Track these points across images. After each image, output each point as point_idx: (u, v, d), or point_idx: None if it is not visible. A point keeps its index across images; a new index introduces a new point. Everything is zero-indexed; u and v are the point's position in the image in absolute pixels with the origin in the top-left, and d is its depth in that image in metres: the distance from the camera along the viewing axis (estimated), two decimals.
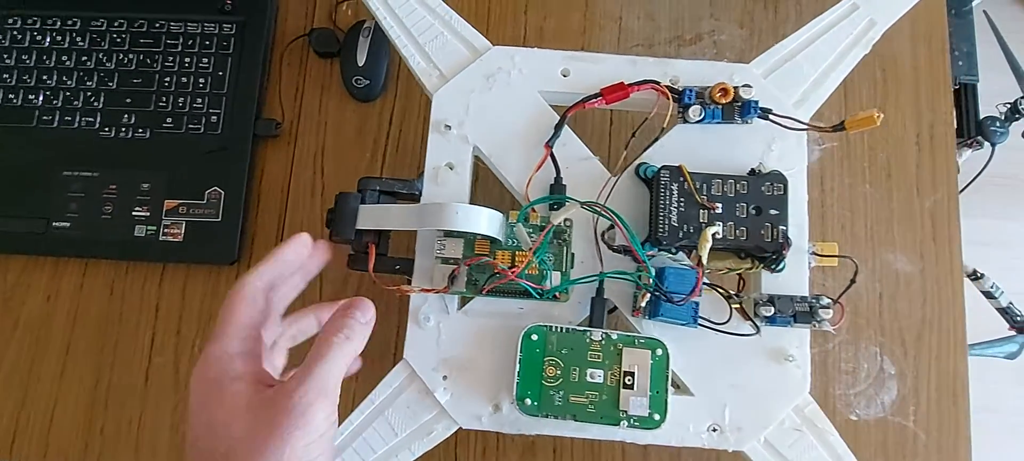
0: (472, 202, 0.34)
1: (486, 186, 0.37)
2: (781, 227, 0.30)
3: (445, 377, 0.31)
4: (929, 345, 0.42)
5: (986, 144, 0.87)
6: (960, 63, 1.04)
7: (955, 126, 1.01)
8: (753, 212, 0.31)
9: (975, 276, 0.89)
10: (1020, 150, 0.88)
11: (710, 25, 0.45)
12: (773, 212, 0.30)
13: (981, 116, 0.91)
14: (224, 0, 0.45)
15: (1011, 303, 0.88)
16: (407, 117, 0.44)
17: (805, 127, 0.32)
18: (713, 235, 0.29)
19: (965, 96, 1.05)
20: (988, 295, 0.89)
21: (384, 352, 0.39)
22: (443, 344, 0.32)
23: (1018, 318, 0.87)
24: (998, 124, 0.81)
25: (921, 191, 0.44)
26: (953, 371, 0.42)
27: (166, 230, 0.42)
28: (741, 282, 0.33)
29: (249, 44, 0.44)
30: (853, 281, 0.32)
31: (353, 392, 0.40)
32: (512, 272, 0.29)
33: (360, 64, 0.43)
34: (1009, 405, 1.05)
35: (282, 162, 0.44)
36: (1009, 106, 0.89)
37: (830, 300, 0.31)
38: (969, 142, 0.90)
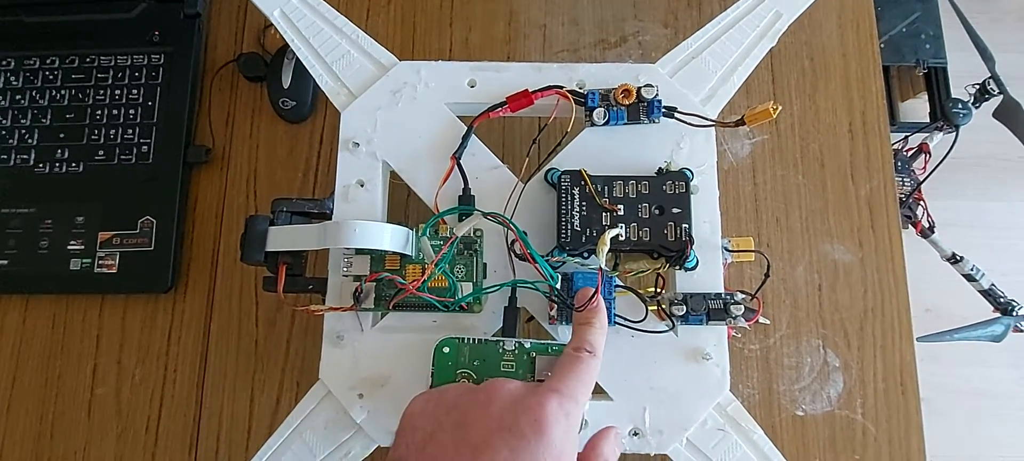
0: (391, 218, 0.34)
1: (415, 200, 0.37)
2: (684, 225, 0.30)
3: (361, 395, 0.31)
4: (873, 335, 0.41)
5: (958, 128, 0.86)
6: (928, 47, 1.04)
7: (929, 110, 1.02)
8: (656, 212, 0.30)
9: (955, 260, 0.88)
10: (993, 130, 0.87)
11: (634, 26, 0.45)
12: (676, 211, 0.30)
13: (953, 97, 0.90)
14: (152, 31, 0.45)
15: (993, 284, 0.87)
16: (337, 136, 0.45)
17: (707, 123, 0.32)
18: (613, 238, 0.29)
19: (935, 79, 1.05)
20: (969, 278, 0.87)
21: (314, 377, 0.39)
22: (358, 362, 0.32)
23: (1001, 299, 0.86)
24: (961, 106, 0.80)
25: (856, 179, 0.43)
26: (899, 360, 0.41)
27: (101, 262, 0.42)
28: (661, 282, 0.33)
29: (177, 73, 0.44)
30: (767, 276, 0.31)
31: (270, 416, 0.39)
32: (413, 285, 0.29)
33: (285, 86, 0.43)
34: (1006, 390, 1.03)
35: (215, 187, 0.44)
36: (978, 87, 0.88)
37: (746, 294, 0.31)
38: (939, 125, 0.89)
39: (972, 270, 0.86)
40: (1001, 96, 0.86)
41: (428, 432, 0.25)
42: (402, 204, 0.39)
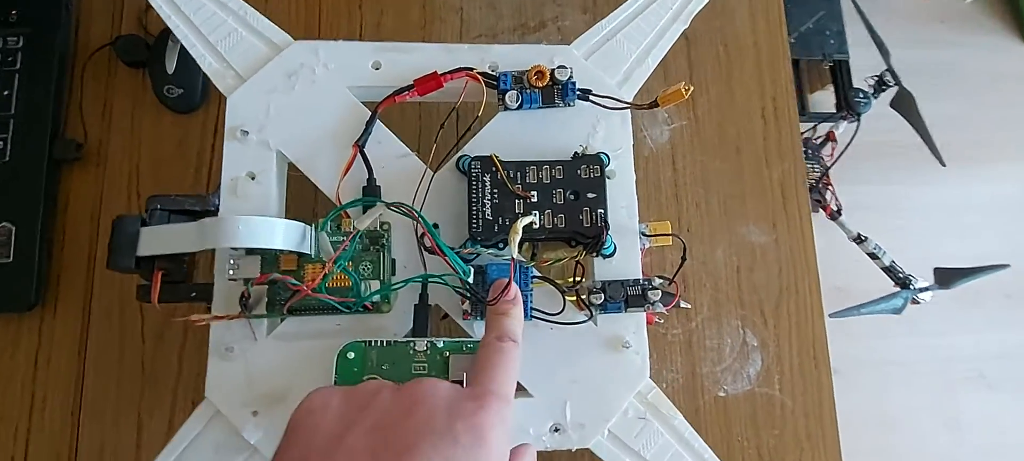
0: (293, 215, 0.31)
1: (323, 197, 0.33)
2: (599, 210, 0.29)
3: (255, 413, 0.28)
4: (788, 312, 0.43)
5: (860, 117, 0.93)
6: (832, 42, 1.11)
7: (835, 101, 1.09)
8: (571, 197, 0.29)
9: (860, 240, 0.94)
10: (891, 118, 0.94)
11: (553, 11, 0.44)
12: (591, 195, 0.29)
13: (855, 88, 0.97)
14: (8, 11, 0.39)
15: (893, 262, 0.94)
16: None
17: (622, 105, 0.31)
18: (526, 226, 0.27)
19: (839, 72, 1.12)
20: (872, 256, 0.94)
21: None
22: (252, 376, 0.28)
23: (900, 274, 0.93)
24: (862, 95, 0.86)
25: (769, 162, 0.44)
26: (812, 335, 0.43)
27: None
28: (580, 270, 0.32)
29: (40, 57, 0.39)
30: (684, 259, 0.31)
31: (162, 444, 0.35)
32: (307, 286, 0.26)
33: (170, 71, 0.39)
34: (908, 356, 1.12)
35: (90, 188, 0.39)
36: (876, 79, 0.95)
37: (664, 279, 0.31)
38: (843, 115, 0.95)
39: (875, 249, 0.93)
40: (896, 87, 0.93)
41: (334, 434, 0.22)
42: (310, 201, 0.35)
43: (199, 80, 0.40)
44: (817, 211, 0.94)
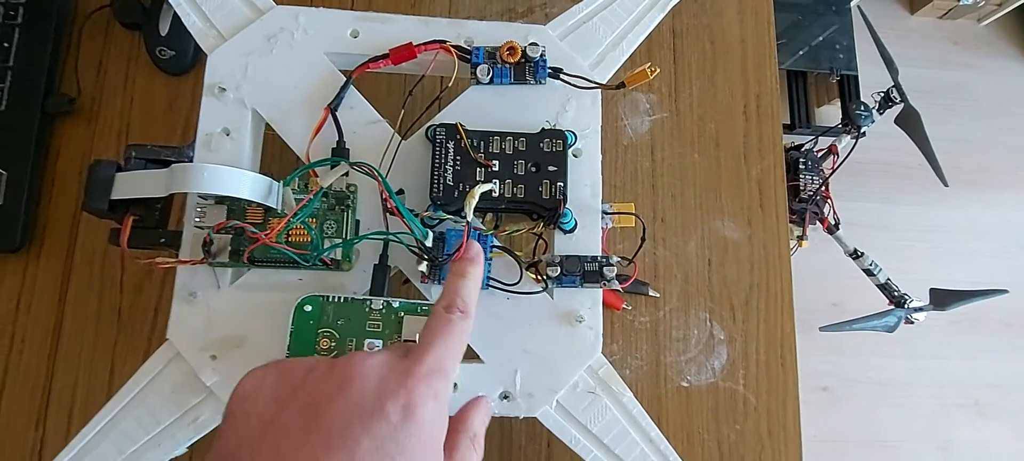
0: (262, 171, 0.32)
1: (293, 157, 0.34)
2: (559, 184, 0.29)
3: (214, 357, 0.29)
4: (757, 309, 0.43)
5: (862, 130, 0.92)
6: (841, 56, 1.10)
7: (841, 115, 1.08)
8: (532, 169, 0.30)
9: (856, 255, 0.94)
10: (897, 137, 0.93)
11: None
12: (552, 169, 0.30)
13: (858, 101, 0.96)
14: None
15: (889, 279, 0.93)
16: None
17: (592, 85, 0.32)
18: (484, 193, 0.28)
19: (847, 87, 1.12)
20: (868, 272, 0.93)
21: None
22: (212, 321, 0.29)
23: (896, 292, 0.92)
24: (864, 108, 0.86)
25: (748, 159, 0.45)
26: (780, 334, 0.43)
27: None
28: (541, 245, 0.32)
29: (39, 13, 0.40)
30: (643, 240, 0.31)
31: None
32: (266, 235, 0.27)
33: (163, 34, 0.40)
34: (900, 378, 1.11)
35: (80, 141, 0.40)
36: (882, 94, 0.94)
37: (620, 259, 0.31)
38: (846, 128, 0.95)
39: (871, 265, 0.92)
40: (902, 104, 0.93)
41: (266, 418, 0.21)
42: (289, 165, 0.36)
43: (191, 44, 0.41)
44: (814, 224, 0.94)
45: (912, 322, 0.90)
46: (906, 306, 0.89)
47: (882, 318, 0.91)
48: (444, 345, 0.24)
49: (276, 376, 0.23)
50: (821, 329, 0.88)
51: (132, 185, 0.28)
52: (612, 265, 0.30)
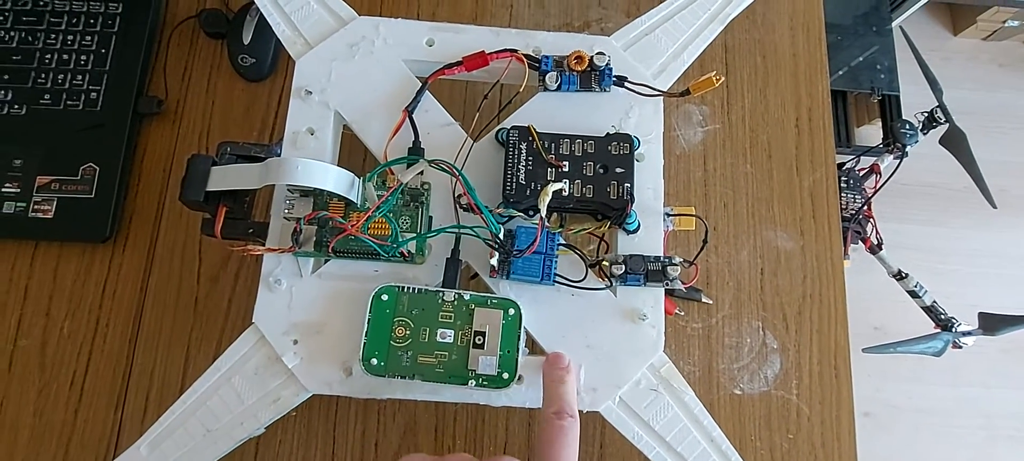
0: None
1: (371, 158, 0.36)
2: (626, 185, 0.31)
3: (296, 341, 0.31)
4: (810, 320, 0.43)
5: (906, 149, 0.90)
6: (882, 76, 1.09)
7: (882, 135, 1.07)
8: (600, 171, 0.31)
9: (900, 276, 0.92)
10: (941, 159, 0.91)
11: (598, 13, 0.47)
12: (619, 171, 0.31)
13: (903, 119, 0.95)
14: None
15: (935, 301, 0.90)
16: None
17: (656, 93, 0.33)
18: (555, 191, 0.29)
19: (888, 107, 1.10)
20: (913, 294, 0.91)
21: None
22: (295, 308, 0.31)
23: (942, 316, 0.90)
24: (909, 127, 0.85)
25: (800, 171, 0.45)
26: (834, 345, 0.42)
27: (36, 206, 0.40)
28: (603, 246, 0.33)
29: (134, 22, 0.44)
30: (705, 242, 0.32)
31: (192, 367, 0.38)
32: (352, 226, 0.29)
33: (246, 43, 0.43)
34: (944, 407, 1.07)
35: (166, 141, 0.43)
36: (926, 114, 0.93)
37: (682, 260, 0.32)
38: (889, 147, 0.93)
39: (916, 287, 0.90)
40: (947, 125, 0.91)
41: None
42: (359, 164, 0.38)
43: (270, 53, 0.44)
44: (856, 243, 0.92)
45: (960, 346, 0.88)
46: (954, 330, 0.87)
47: (928, 341, 0.89)
48: (564, 450, 0.26)
49: None
50: (864, 351, 0.86)
51: (228, 178, 0.30)
52: (676, 265, 0.31)
